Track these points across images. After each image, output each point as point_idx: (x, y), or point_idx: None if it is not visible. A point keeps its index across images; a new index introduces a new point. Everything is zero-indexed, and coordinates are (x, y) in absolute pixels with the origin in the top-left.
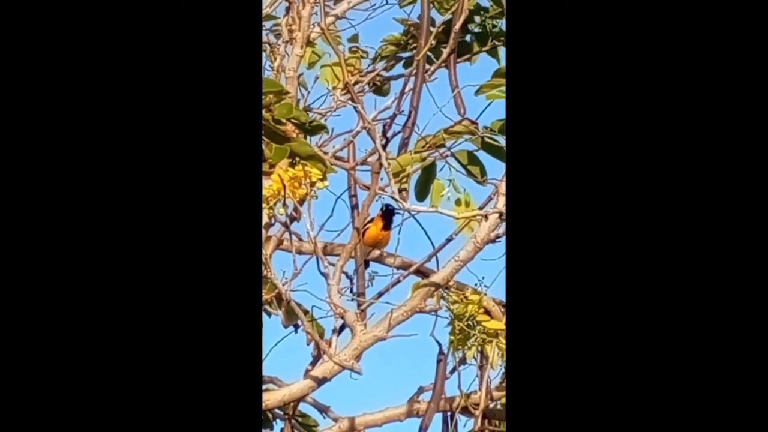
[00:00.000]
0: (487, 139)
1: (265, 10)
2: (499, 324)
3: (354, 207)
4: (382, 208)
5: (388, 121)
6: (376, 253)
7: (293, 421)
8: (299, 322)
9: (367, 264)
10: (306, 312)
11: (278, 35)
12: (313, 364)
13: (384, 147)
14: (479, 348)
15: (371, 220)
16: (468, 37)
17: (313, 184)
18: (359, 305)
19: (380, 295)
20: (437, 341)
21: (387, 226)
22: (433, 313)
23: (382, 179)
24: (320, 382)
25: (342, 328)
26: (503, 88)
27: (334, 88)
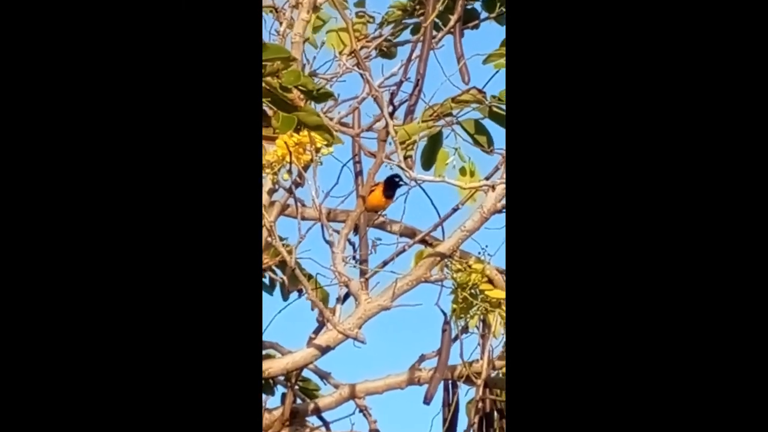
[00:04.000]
0: (494, 108)
1: None
2: (502, 293)
3: (359, 174)
4: (388, 177)
5: (395, 88)
6: (380, 220)
7: (295, 387)
8: (303, 288)
9: None
10: (310, 278)
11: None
12: (317, 332)
13: (391, 115)
14: (481, 317)
15: (375, 185)
16: (476, 4)
17: (317, 150)
18: (363, 274)
19: (385, 263)
20: (443, 311)
21: (388, 194)
22: (438, 283)
23: (389, 145)
24: (324, 350)
25: (346, 296)
26: None
27: (340, 53)
